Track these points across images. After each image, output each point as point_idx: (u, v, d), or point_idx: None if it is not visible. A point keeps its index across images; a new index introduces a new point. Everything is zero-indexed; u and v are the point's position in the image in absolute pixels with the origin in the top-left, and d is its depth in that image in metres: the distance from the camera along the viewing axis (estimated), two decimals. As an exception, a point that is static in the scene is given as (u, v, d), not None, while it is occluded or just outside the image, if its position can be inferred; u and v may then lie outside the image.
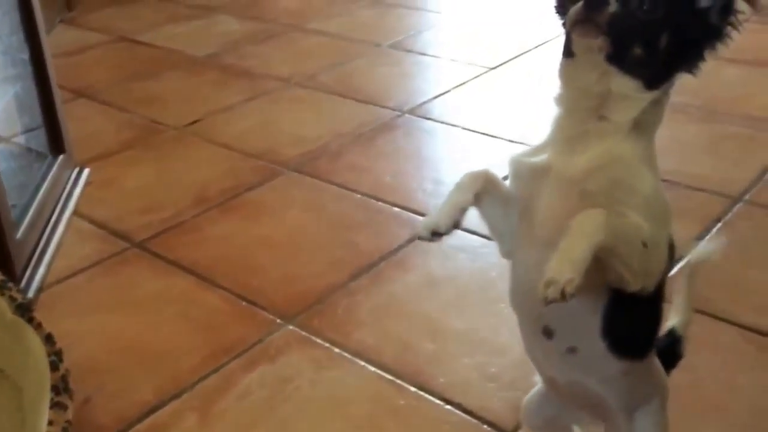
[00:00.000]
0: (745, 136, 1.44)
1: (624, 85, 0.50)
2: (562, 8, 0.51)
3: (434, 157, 1.42)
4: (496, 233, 0.57)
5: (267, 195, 1.31)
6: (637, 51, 0.49)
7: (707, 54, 0.52)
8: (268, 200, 1.29)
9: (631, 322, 0.53)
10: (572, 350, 0.54)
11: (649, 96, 0.51)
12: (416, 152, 1.45)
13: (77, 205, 1.27)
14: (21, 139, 1.39)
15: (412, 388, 0.87)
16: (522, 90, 1.70)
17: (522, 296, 0.56)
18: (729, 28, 0.52)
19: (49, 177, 1.25)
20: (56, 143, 1.33)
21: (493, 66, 1.79)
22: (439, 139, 1.46)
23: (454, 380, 0.88)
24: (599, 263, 0.47)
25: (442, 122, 1.46)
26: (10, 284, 0.84)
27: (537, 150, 0.54)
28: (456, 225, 0.52)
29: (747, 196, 1.23)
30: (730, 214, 1.18)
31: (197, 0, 2.44)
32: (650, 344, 0.57)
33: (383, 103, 1.64)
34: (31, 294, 1.03)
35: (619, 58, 0.49)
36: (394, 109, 1.61)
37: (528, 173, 0.53)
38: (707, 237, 1.13)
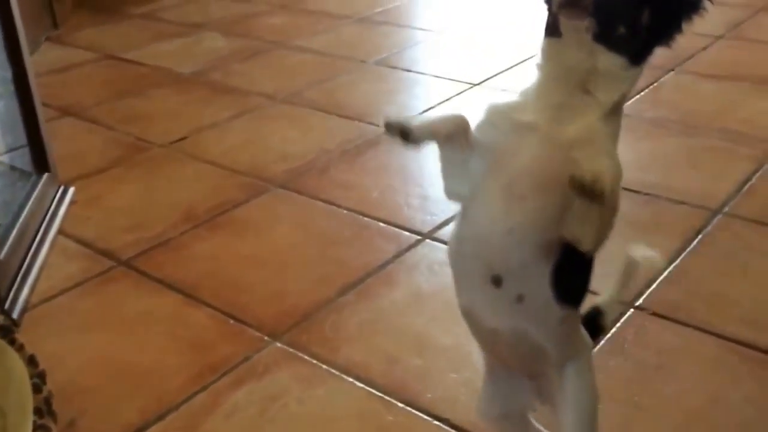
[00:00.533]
0: (724, 150, 1.48)
1: (611, 62, 0.52)
2: None
3: (420, 173, 1.43)
4: (448, 173, 0.59)
5: (254, 212, 1.31)
6: (622, 29, 0.51)
7: (684, 26, 0.54)
8: (254, 217, 1.30)
9: (574, 274, 0.58)
10: (520, 298, 0.57)
11: (634, 73, 0.54)
12: (402, 168, 1.47)
13: (62, 224, 1.26)
14: (5, 158, 1.39)
15: (400, 404, 0.88)
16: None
17: (477, 243, 0.57)
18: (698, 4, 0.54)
19: (34, 196, 1.24)
20: (40, 162, 1.32)
21: (477, 82, 1.82)
22: (425, 154, 1.48)
23: (442, 396, 0.88)
24: (562, 219, 0.53)
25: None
26: (-7, 306, 0.84)
27: (518, 107, 0.56)
28: (421, 141, 0.55)
29: (726, 209, 1.26)
30: (710, 226, 1.21)
31: (184, 18, 2.47)
32: (584, 295, 0.61)
33: (369, 119, 1.66)
34: (15, 315, 1.02)
35: (605, 36, 0.51)
36: (379, 125, 1.63)
37: (510, 128, 0.55)
38: (688, 249, 1.15)
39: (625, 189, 1.59)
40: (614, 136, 0.56)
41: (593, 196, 0.49)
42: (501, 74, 1.88)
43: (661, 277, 1.09)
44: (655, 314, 1.02)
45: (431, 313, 1.04)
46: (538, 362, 0.62)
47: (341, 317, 1.03)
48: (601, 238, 0.56)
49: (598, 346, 0.96)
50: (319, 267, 1.15)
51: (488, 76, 1.85)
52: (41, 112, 1.30)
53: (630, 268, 0.70)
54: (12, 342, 0.79)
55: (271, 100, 1.79)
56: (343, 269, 1.13)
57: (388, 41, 2.19)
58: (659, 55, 2.09)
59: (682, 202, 1.29)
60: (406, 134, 0.55)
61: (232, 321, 1.03)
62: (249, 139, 1.60)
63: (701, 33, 2.14)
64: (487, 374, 0.68)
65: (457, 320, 1.01)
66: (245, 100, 1.79)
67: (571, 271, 0.57)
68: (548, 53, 0.55)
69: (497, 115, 0.57)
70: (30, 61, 1.27)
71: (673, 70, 1.87)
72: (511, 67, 1.92)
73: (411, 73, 1.96)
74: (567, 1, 0.50)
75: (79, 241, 1.23)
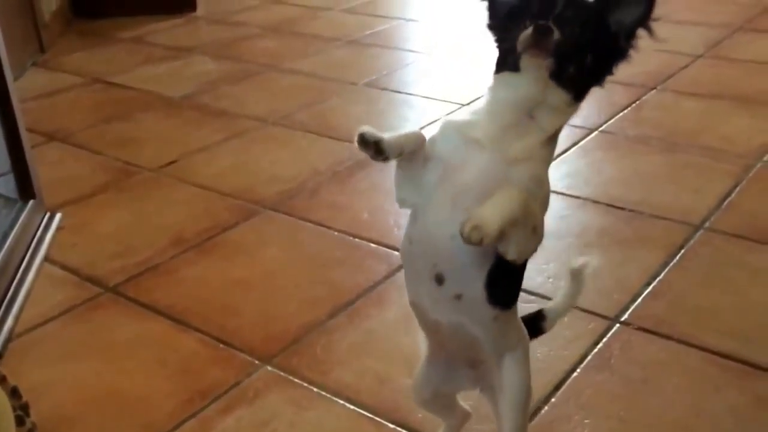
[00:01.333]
0: (705, 166, 1.53)
1: (559, 97, 0.62)
2: (505, 31, 0.63)
3: (409, 193, 1.46)
4: (403, 182, 0.66)
5: (244, 235, 1.33)
6: (572, 69, 0.61)
7: (615, 70, 0.64)
8: (245, 240, 1.31)
9: (505, 280, 0.66)
10: (458, 296, 0.65)
11: (574, 108, 0.63)
12: (392, 189, 1.49)
13: (48, 251, 1.26)
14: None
15: (391, 425, 0.89)
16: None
17: (424, 245, 0.65)
18: (631, 50, 0.64)
19: (18, 223, 1.24)
20: (25, 188, 1.33)
21: (466, 102, 1.86)
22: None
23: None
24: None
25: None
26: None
27: (469, 125, 0.64)
28: (391, 155, 0.61)
29: (707, 224, 1.30)
30: (691, 241, 1.24)
31: (173, 41, 2.50)
32: (514, 299, 0.70)
33: (358, 140, 1.69)
34: None
35: (559, 74, 0.61)
36: (353, 139, 1.66)
37: (461, 143, 0.63)
38: (671, 264, 1.18)
39: (609, 205, 1.64)
40: (549, 160, 0.65)
41: (470, 243, 0.57)
42: (479, 100, 1.92)
43: (645, 292, 1.12)
44: (639, 329, 1.04)
45: (421, 333, 1.05)
46: (476, 351, 0.70)
47: (332, 339, 1.04)
48: (524, 251, 0.63)
49: (584, 362, 0.98)
50: (310, 289, 1.16)
51: (477, 97, 1.89)
52: (26, 138, 1.31)
53: (576, 277, 0.79)
54: (-5, 373, 0.79)
55: (262, 122, 1.81)
56: (333, 291, 1.15)
57: (378, 63, 2.23)
58: (641, 73, 2.16)
59: (665, 218, 1.32)
60: (379, 148, 0.60)
61: (221, 345, 1.04)
62: (239, 162, 1.62)
63: (682, 52, 2.22)
64: (428, 359, 0.75)
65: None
66: (235, 123, 1.82)
67: (503, 276, 0.64)
68: (504, 83, 0.63)
69: (450, 130, 0.64)
70: (14, 86, 1.28)
71: (654, 88, 1.93)
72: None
73: (401, 95, 2.00)
74: (533, 44, 0.59)
75: (66, 268, 1.23)
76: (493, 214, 0.57)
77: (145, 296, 1.15)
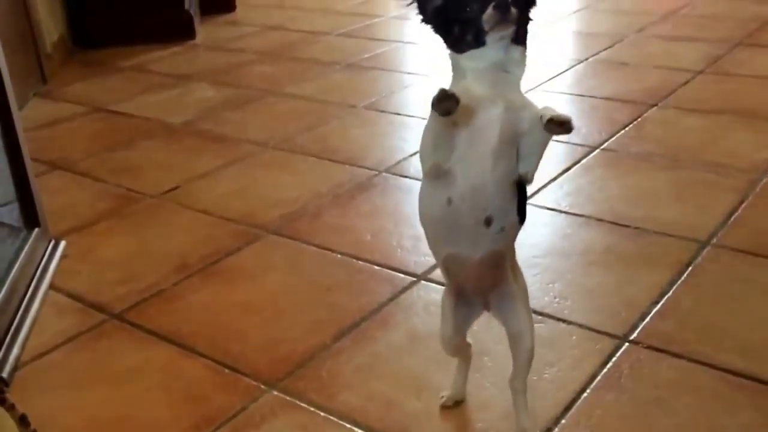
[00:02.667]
0: (710, 182, 1.56)
1: (519, 52, 0.80)
2: (459, 15, 0.78)
3: (412, 215, 1.48)
4: (439, 146, 0.79)
5: (247, 259, 1.36)
6: (522, 31, 0.80)
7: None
8: (248, 264, 1.34)
9: (523, 203, 0.83)
10: (502, 229, 0.82)
11: (526, 53, 0.82)
12: (394, 210, 1.53)
13: (53, 278, 1.30)
14: (-6, 214, 1.43)
15: (400, 449, 0.90)
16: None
17: (473, 198, 0.79)
18: None
19: (24, 252, 1.28)
20: (30, 217, 1.37)
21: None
22: (416, 196, 1.53)
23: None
24: (516, 163, 0.79)
25: (418, 180, 1.54)
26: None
27: (468, 90, 0.78)
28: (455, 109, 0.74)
29: (714, 240, 1.32)
30: (699, 258, 1.27)
31: (173, 69, 2.58)
32: (525, 216, 0.85)
33: (360, 162, 1.73)
34: (5, 374, 1.04)
35: (519, 38, 0.79)
36: (370, 169, 1.70)
37: (473, 103, 0.77)
38: (679, 281, 1.20)
39: (613, 223, 1.66)
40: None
41: (565, 126, 0.74)
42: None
43: (654, 310, 1.14)
44: (649, 347, 1.06)
45: (428, 354, 1.07)
46: (500, 271, 0.87)
47: (337, 362, 1.06)
48: (535, 173, 0.81)
49: (593, 383, 1.00)
50: (314, 312, 1.18)
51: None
52: (30, 168, 1.36)
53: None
54: (2, 401, 0.81)
55: (262, 147, 1.86)
56: (338, 314, 1.17)
57: (377, 86, 2.30)
58: (641, 90, 2.22)
59: (671, 235, 1.35)
60: (456, 99, 0.73)
61: (227, 371, 1.06)
62: (241, 186, 1.66)
63: (682, 68, 2.28)
64: (452, 309, 0.90)
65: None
66: (236, 148, 1.87)
67: (523, 201, 0.83)
68: (475, 57, 0.79)
69: (461, 95, 0.75)
70: (18, 117, 1.33)
71: (656, 105, 1.98)
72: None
73: (400, 117, 2.06)
74: (501, 16, 0.76)
75: (71, 296, 1.26)
76: (556, 112, 0.74)
77: (150, 322, 1.17)
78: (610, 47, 2.51)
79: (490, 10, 0.75)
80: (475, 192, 0.78)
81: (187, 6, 2.92)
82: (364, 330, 1.13)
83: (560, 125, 0.73)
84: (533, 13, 0.82)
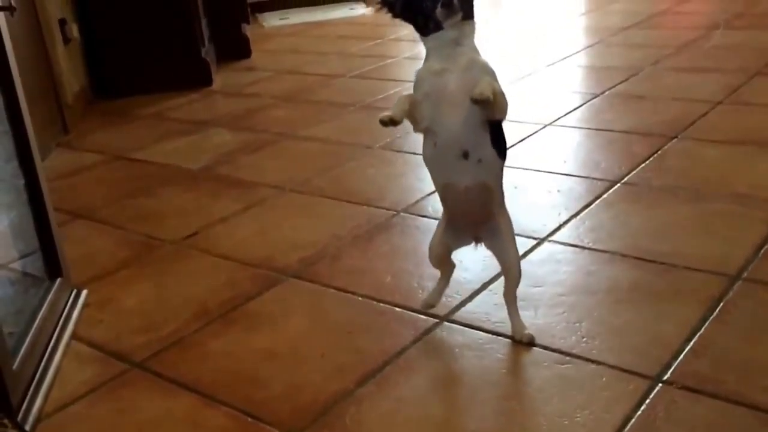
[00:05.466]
0: (736, 214, 1.56)
1: (468, 26, 1.10)
2: (420, 16, 1.09)
3: (432, 254, 1.51)
4: (415, 120, 1.10)
5: (267, 304, 1.38)
6: (466, 6, 1.09)
7: None
8: (268, 309, 1.36)
9: (499, 138, 1.11)
10: (480, 161, 1.09)
11: (475, 25, 1.12)
12: (414, 250, 1.55)
13: (75, 328, 1.33)
14: (17, 265, 1.48)
15: (429, 499, 0.89)
16: (507, 183, 1.84)
17: (450, 140, 1.09)
18: None
19: (47, 302, 1.32)
20: (53, 267, 1.42)
21: (483, 160, 1.95)
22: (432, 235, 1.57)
23: None
24: (482, 108, 1.06)
25: (436, 219, 1.56)
26: (5, 420, 0.88)
27: (429, 66, 1.09)
28: (402, 119, 1.05)
29: (745, 274, 1.31)
30: (730, 293, 1.26)
31: (190, 115, 2.68)
32: (506, 151, 1.14)
33: (378, 203, 1.77)
34: (28, 426, 1.06)
35: (467, 14, 1.08)
36: (388, 209, 1.73)
37: (434, 77, 1.08)
38: (711, 317, 1.19)
39: (638, 258, 1.66)
40: (479, 53, 1.11)
41: (485, 103, 1.03)
42: (505, 152, 2.01)
43: (686, 349, 1.13)
44: (683, 388, 1.05)
45: (454, 399, 1.07)
46: (488, 204, 1.14)
47: (361, 409, 1.07)
48: (504, 109, 1.08)
49: (627, 426, 0.99)
50: (336, 357, 1.19)
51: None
52: (53, 219, 1.41)
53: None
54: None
55: (280, 190, 1.91)
56: (360, 358, 1.18)
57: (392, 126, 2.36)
58: (660, 123, 2.25)
59: (699, 270, 1.34)
60: (394, 121, 1.05)
61: (249, 419, 1.06)
62: (260, 230, 1.70)
63: (700, 99, 2.30)
64: (444, 228, 1.20)
65: (479, 404, 1.04)
66: (254, 191, 1.92)
67: (497, 136, 1.11)
68: (436, 37, 1.09)
69: (423, 74, 1.10)
70: (42, 169, 1.39)
71: (675, 137, 2.00)
72: (512, 145, 2.05)
73: (416, 156, 2.08)
74: (449, 11, 1.06)
75: (93, 345, 1.29)
76: (485, 86, 1.03)
77: (172, 371, 1.19)
78: (625, 80, 2.56)
79: (439, 8, 1.06)
80: (450, 135, 1.08)
81: (203, 54, 3.05)
82: (388, 374, 1.14)
83: (475, 102, 1.03)
84: None
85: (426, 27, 1.09)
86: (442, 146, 1.09)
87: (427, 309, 1.26)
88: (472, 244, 1.19)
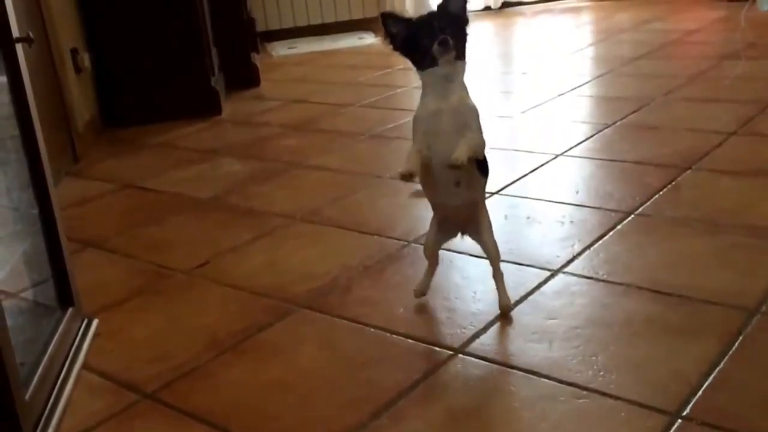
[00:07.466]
0: (752, 246, 1.58)
1: (460, 65, 1.30)
2: (418, 52, 1.28)
3: (444, 286, 1.54)
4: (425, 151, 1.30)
5: (279, 335, 1.41)
6: (460, 47, 1.28)
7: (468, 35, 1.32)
8: (280, 340, 1.39)
9: (483, 165, 1.35)
10: (469, 186, 1.34)
11: (466, 65, 1.31)
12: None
13: (86, 358, 1.36)
14: (29, 294, 1.52)
15: None
16: (520, 214, 1.87)
17: (443, 174, 1.30)
18: (468, 18, 1.31)
19: (58, 332, 1.35)
20: (64, 296, 1.45)
21: (494, 191, 1.99)
22: (446, 266, 1.60)
23: None
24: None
25: (448, 250, 1.61)
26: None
27: (426, 105, 1.30)
28: (419, 168, 1.27)
29: (764, 308, 1.33)
30: (749, 327, 1.27)
31: (200, 144, 2.75)
32: (488, 170, 1.39)
33: (388, 233, 1.80)
34: (39, 457, 1.08)
35: (457, 55, 1.27)
36: (399, 239, 1.77)
37: (430, 117, 1.29)
38: (730, 352, 1.21)
39: (654, 291, 1.68)
40: (468, 92, 1.32)
41: (460, 167, 1.24)
42: (514, 183, 2.05)
43: (705, 384, 1.14)
44: (703, 424, 1.06)
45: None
46: (473, 210, 1.38)
47: (375, 443, 1.08)
48: (481, 151, 1.31)
49: (648, 461, 0.99)
50: (349, 390, 1.21)
51: (503, 185, 2.03)
52: (66, 248, 1.45)
53: None
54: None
55: (290, 219, 1.96)
56: (373, 391, 1.20)
57: (402, 155, 2.36)
58: (673, 153, 2.30)
59: (716, 303, 1.36)
60: (413, 174, 1.25)
61: (262, 453, 1.08)
62: (270, 260, 1.74)
63: (714, 130, 2.34)
64: (436, 230, 1.43)
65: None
66: (264, 221, 1.96)
67: (482, 164, 1.34)
68: (432, 73, 1.28)
69: (421, 114, 1.31)
70: (56, 197, 1.43)
71: (689, 168, 2.03)
72: (524, 175, 2.10)
73: (426, 186, 2.14)
74: (444, 49, 1.24)
75: (104, 375, 1.32)
76: (460, 152, 1.23)
77: (183, 402, 1.21)
78: (637, 111, 2.61)
79: (435, 46, 1.23)
80: (444, 168, 1.27)
81: (213, 83, 3.15)
82: (402, 408, 1.15)
83: (451, 167, 1.23)
84: (467, 30, 1.30)
85: (423, 62, 1.27)
86: (437, 176, 1.30)
87: (419, 297, 1.46)
88: (458, 236, 1.44)
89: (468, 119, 1.27)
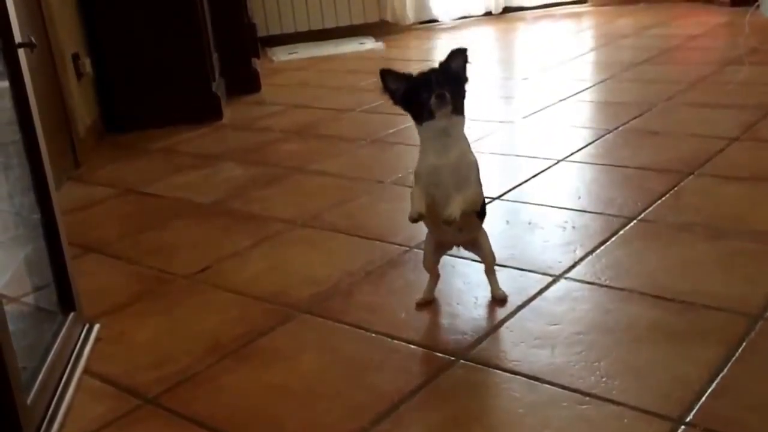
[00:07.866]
0: (755, 252, 1.58)
1: (458, 119, 1.36)
2: (416, 105, 1.34)
3: (447, 291, 1.54)
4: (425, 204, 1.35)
5: (280, 340, 1.41)
6: (458, 103, 1.34)
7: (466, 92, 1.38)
8: (281, 345, 1.39)
9: (481, 212, 1.45)
10: (469, 231, 1.44)
11: (465, 120, 1.37)
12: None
13: (88, 362, 1.36)
14: (30, 298, 1.53)
15: None
16: (521, 219, 1.88)
17: (440, 218, 1.34)
18: (467, 77, 1.37)
19: (60, 336, 1.36)
20: (66, 301, 1.46)
21: (495, 196, 1.99)
22: (448, 272, 1.60)
23: None
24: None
25: (450, 256, 1.62)
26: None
27: (425, 160, 1.37)
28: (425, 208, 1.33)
29: (767, 313, 1.33)
30: (752, 333, 1.28)
31: (201, 150, 2.77)
32: (485, 215, 1.48)
33: (390, 238, 1.81)
34: (40, 462, 1.08)
35: (455, 109, 1.33)
36: (401, 245, 1.77)
37: (430, 171, 1.35)
38: (733, 358, 1.21)
39: (657, 297, 1.69)
40: (469, 143, 1.39)
41: (449, 224, 1.32)
42: (516, 189, 2.06)
43: (709, 390, 1.14)
44: (706, 430, 1.06)
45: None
46: (470, 238, 1.47)
47: (377, 449, 1.08)
48: (479, 202, 1.41)
49: (651, 468, 0.99)
50: (350, 395, 1.22)
51: (504, 191, 2.03)
52: (68, 253, 1.46)
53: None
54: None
55: (291, 225, 1.96)
56: (374, 396, 1.20)
57: (403, 161, 2.41)
58: (675, 159, 2.31)
59: (719, 309, 1.36)
60: (422, 215, 1.32)
61: (263, 458, 1.08)
62: (271, 265, 1.74)
63: (716, 135, 2.35)
64: (434, 248, 1.50)
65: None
66: (265, 226, 1.97)
67: (480, 211, 1.43)
68: (429, 126, 1.34)
69: (421, 170, 1.37)
70: (57, 202, 1.44)
71: (692, 173, 2.03)
72: (525, 181, 2.11)
73: (428, 191, 2.15)
74: (441, 102, 1.30)
75: (105, 380, 1.32)
76: (453, 209, 1.30)
77: (184, 407, 1.22)
78: (639, 116, 2.62)
79: (433, 99, 1.29)
80: (441, 217, 1.33)
81: (214, 88, 3.16)
82: (403, 413, 1.15)
83: (445, 223, 1.32)
84: (466, 88, 1.35)
85: (421, 115, 1.33)
86: (441, 224, 1.35)
87: (423, 303, 1.49)
88: (455, 248, 1.52)
89: (467, 174, 1.33)
